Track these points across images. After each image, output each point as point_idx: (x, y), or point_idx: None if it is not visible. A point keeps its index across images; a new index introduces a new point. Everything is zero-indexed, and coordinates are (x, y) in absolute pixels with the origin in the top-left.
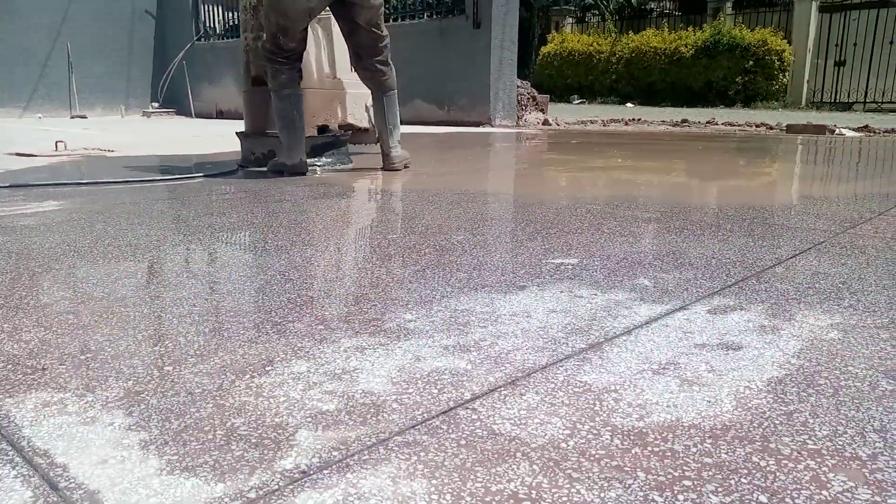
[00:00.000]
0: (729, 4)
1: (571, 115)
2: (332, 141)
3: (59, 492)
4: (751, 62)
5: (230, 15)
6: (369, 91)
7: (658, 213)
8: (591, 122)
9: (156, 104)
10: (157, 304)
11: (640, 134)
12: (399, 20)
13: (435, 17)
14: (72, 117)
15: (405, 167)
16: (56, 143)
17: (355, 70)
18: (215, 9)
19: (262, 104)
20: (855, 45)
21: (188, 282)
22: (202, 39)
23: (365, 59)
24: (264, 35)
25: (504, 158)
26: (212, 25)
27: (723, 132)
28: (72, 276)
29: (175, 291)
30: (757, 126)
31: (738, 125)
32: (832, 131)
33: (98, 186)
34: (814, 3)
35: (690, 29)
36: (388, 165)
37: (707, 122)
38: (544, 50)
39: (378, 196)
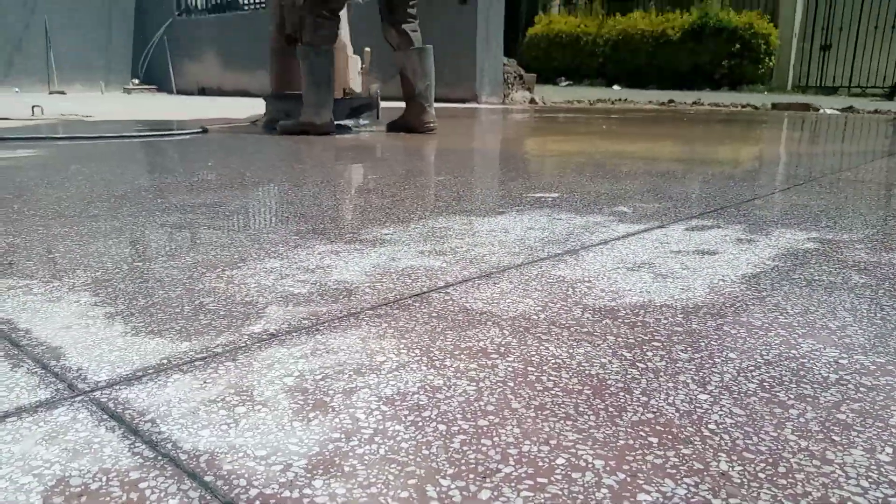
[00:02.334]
0: None
1: (558, 95)
2: (368, 102)
3: (20, 348)
4: (737, 46)
5: None
6: (360, 57)
7: (641, 164)
8: (578, 101)
9: (136, 80)
10: (129, 220)
11: (626, 110)
12: None
13: None
14: (50, 93)
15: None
16: (32, 107)
17: (388, 28)
18: None
19: (296, 64)
20: (840, 29)
21: (160, 204)
22: (183, 15)
23: (398, 11)
24: None
25: (493, 126)
26: (193, 3)
27: (709, 110)
28: (42, 200)
29: (147, 214)
30: (743, 106)
31: (725, 105)
32: (816, 109)
33: (74, 141)
34: None
35: (678, 11)
36: (424, 124)
37: (693, 103)
38: (531, 31)
39: (366, 151)
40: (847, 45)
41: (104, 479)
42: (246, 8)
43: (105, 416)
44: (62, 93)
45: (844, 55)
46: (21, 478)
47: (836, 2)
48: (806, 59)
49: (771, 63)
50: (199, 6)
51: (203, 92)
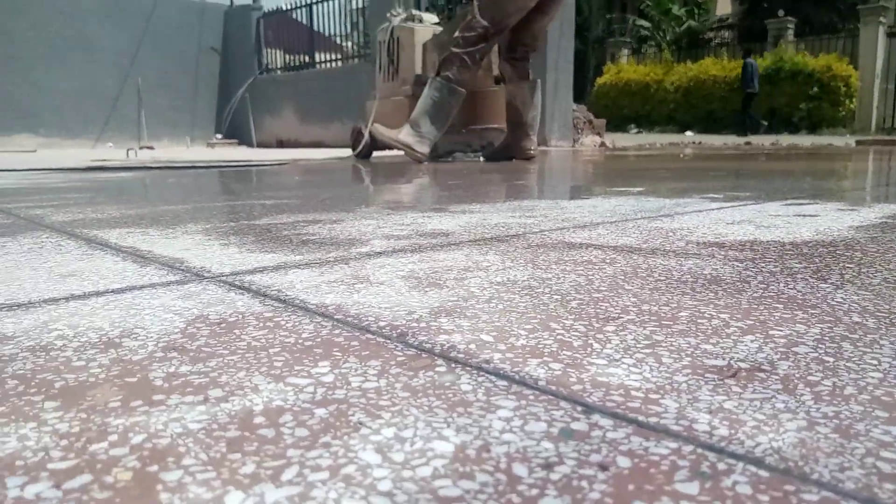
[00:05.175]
0: (790, 32)
1: (628, 140)
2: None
3: (145, 259)
4: (815, 88)
5: (288, 58)
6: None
7: (724, 172)
8: (650, 145)
9: (219, 135)
10: (228, 202)
11: (702, 150)
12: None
13: None
14: (140, 148)
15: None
16: (127, 150)
17: (506, 63)
18: (277, 52)
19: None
20: None
21: (255, 196)
22: (264, 73)
23: (521, 50)
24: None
25: (565, 160)
26: (273, 64)
27: (788, 148)
28: (145, 195)
29: (245, 199)
30: (824, 146)
31: (805, 146)
32: None
33: (169, 171)
34: (881, 27)
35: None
36: (525, 150)
37: (771, 144)
38: (600, 81)
39: (459, 169)
40: None
41: (239, 316)
42: (322, 66)
43: (233, 288)
44: (151, 147)
45: None
46: (163, 314)
47: None
48: (890, 101)
49: (852, 105)
50: (279, 65)
51: (281, 144)
